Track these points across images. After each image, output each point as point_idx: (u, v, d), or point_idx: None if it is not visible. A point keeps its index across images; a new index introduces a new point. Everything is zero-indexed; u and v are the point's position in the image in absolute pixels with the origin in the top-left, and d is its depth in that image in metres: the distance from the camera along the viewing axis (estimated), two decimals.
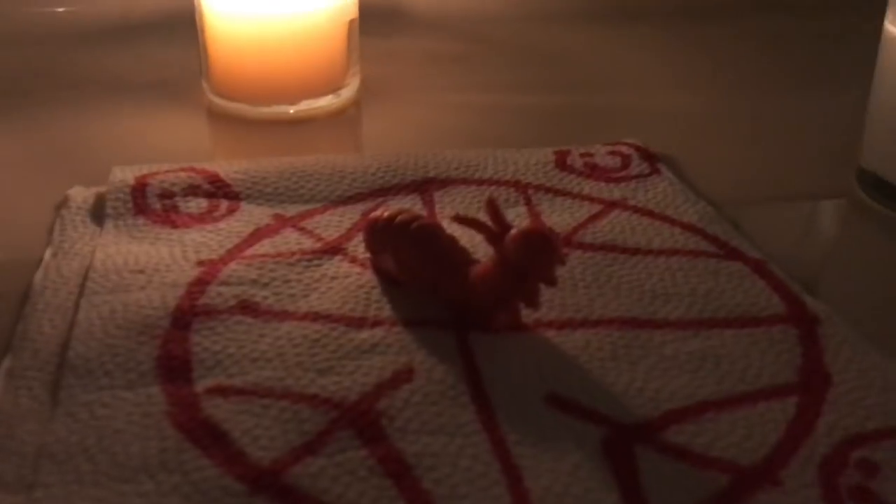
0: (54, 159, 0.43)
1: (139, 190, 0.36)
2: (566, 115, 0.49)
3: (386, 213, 0.31)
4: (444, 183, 0.38)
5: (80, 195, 0.36)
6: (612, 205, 0.37)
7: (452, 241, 0.30)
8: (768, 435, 0.24)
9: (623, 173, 0.39)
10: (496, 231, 0.27)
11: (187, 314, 0.29)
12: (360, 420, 0.24)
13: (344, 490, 0.22)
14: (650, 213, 0.36)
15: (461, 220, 0.28)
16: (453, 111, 0.49)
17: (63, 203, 0.36)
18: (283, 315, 0.29)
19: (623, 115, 0.49)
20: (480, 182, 0.38)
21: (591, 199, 0.37)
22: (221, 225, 0.34)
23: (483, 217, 0.29)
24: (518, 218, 0.36)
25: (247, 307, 0.29)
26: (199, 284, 0.30)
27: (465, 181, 0.38)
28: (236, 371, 0.26)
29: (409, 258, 0.30)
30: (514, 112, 0.49)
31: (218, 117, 0.48)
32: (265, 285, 0.30)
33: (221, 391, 0.25)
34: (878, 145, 0.38)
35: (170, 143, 0.44)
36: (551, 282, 0.26)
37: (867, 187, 0.39)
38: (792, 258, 0.33)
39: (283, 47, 0.46)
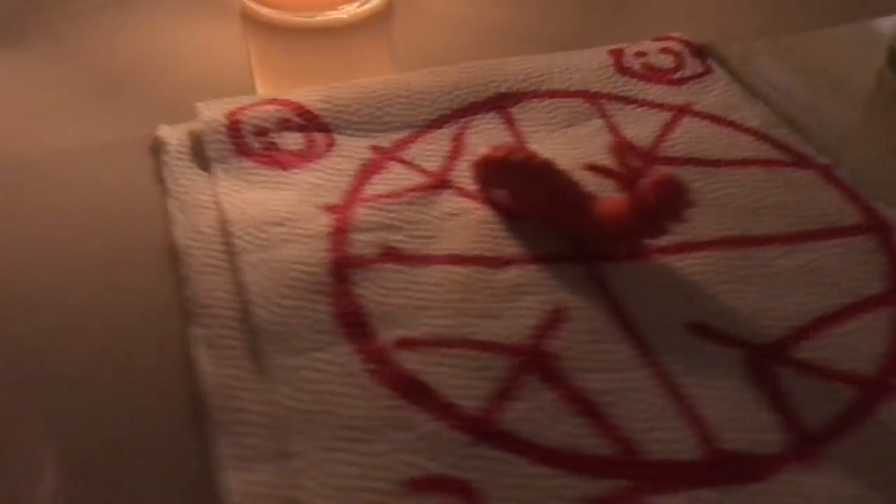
0: (97, 81, 0.42)
1: (233, 128, 0.37)
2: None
3: (500, 153, 0.33)
4: (518, 97, 0.40)
5: (173, 136, 0.37)
6: (680, 111, 0.39)
7: (568, 177, 0.32)
8: (876, 345, 0.29)
9: (679, 74, 0.42)
10: (628, 176, 0.30)
11: (343, 267, 0.31)
12: (539, 363, 0.28)
13: (550, 431, 0.26)
14: (717, 119, 0.39)
15: (595, 168, 0.31)
16: (487, 2, 0.49)
17: (158, 146, 0.37)
18: (426, 259, 0.32)
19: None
20: (552, 94, 0.40)
21: (660, 106, 0.40)
22: (327, 162, 0.36)
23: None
24: (598, 131, 0.38)
25: (391, 254, 0.32)
26: (339, 234, 0.32)
27: (537, 94, 0.40)
28: (409, 322, 0.29)
29: (531, 194, 0.32)
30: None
31: (251, 22, 0.47)
32: (397, 229, 0.33)
33: (408, 344, 0.28)
34: None
35: (206, 51, 0.44)
36: (681, 221, 0.30)
37: None
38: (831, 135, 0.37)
39: None
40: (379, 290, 0.30)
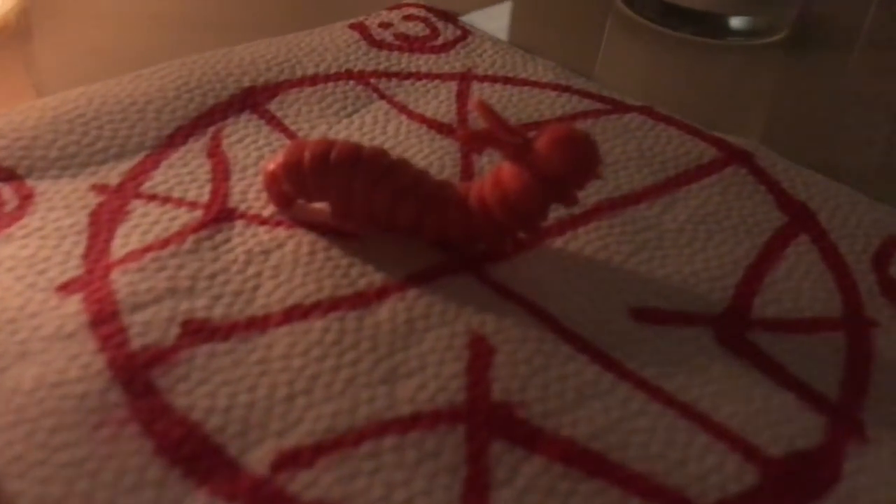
0: None
1: None
2: None
3: (313, 154, 0.23)
4: (271, 90, 0.30)
5: None
6: (463, 78, 0.32)
7: (412, 166, 0.24)
8: (823, 279, 0.24)
9: (440, 41, 0.35)
10: (519, 142, 0.22)
11: (136, 371, 0.19)
12: (498, 422, 0.19)
13: None
14: (508, 80, 0.33)
15: (476, 138, 0.22)
16: None
17: None
18: (256, 323, 0.21)
19: None
20: (313, 80, 0.31)
21: (439, 77, 0.32)
22: (33, 221, 0.23)
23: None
24: (388, 115, 0.30)
25: (199, 329, 0.20)
26: (103, 322, 0.20)
27: (292, 83, 0.30)
28: (283, 425, 0.18)
29: (371, 199, 0.23)
30: None
31: None
32: (191, 292, 0.21)
33: (296, 460, 0.18)
34: None
35: None
36: (585, 186, 0.23)
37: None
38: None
39: None
40: (208, 392, 0.19)
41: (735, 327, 0.22)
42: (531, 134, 0.22)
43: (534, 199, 0.22)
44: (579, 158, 0.22)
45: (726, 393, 0.20)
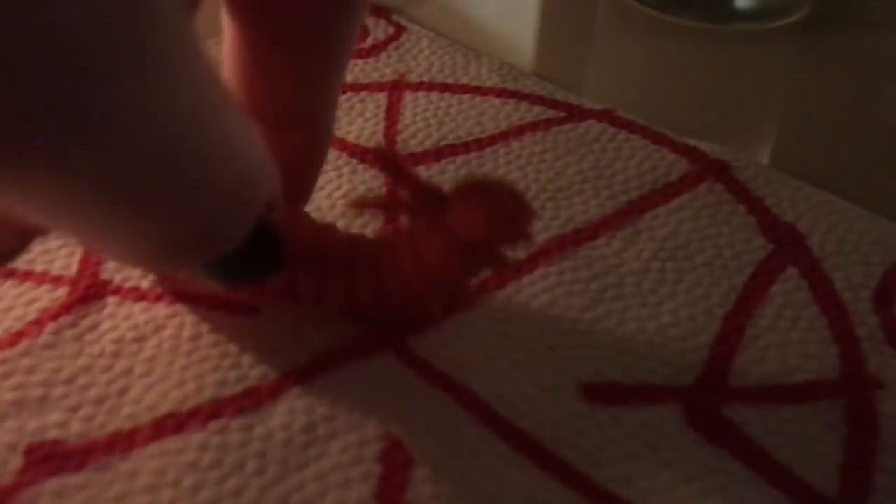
0: None
1: None
2: None
3: None
4: None
5: None
6: (393, 87, 0.28)
7: (309, 218, 0.20)
8: (813, 328, 0.20)
9: (369, 42, 0.31)
10: (429, 208, 0.18)
11: None
12: None
13: None
14: (447, 87, 0.28)
15: (362, 205, 0.18)
16: None
17: None
18: (121, 441, 0.17)
19: None
20: None
21: (365, 88, 0.28)
22: None
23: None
24: None
25: (48, 457, 0.16)
26: None
27: None
28: None
29: None
30: None
31: None
32: (42, 403, 0.17)
33: None
34: None
35: None
36: (527, 242, 0.19)
37: None
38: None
39: None
40: None
41: (709, 402, 0.19)
42: (446, 188, 0.18)
43: (456, 268, 0.18)
44: (502, 218, 0.18)
45: (697, 497, 0.17)
